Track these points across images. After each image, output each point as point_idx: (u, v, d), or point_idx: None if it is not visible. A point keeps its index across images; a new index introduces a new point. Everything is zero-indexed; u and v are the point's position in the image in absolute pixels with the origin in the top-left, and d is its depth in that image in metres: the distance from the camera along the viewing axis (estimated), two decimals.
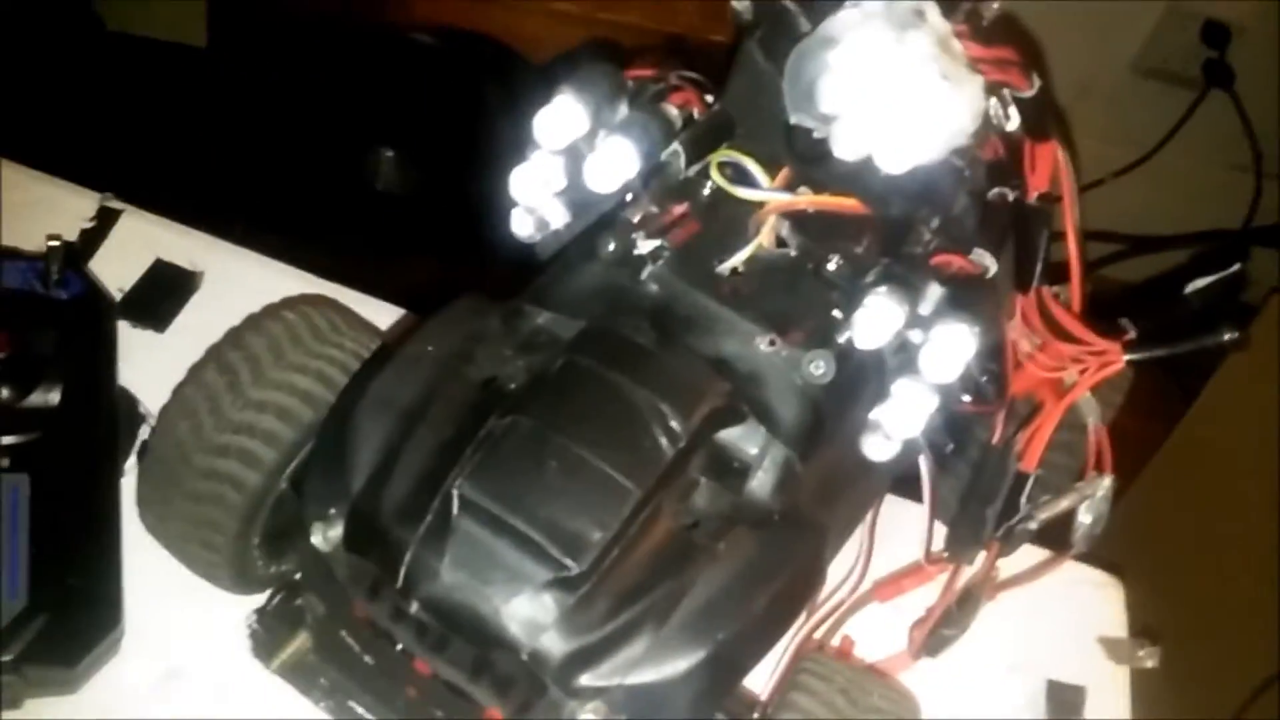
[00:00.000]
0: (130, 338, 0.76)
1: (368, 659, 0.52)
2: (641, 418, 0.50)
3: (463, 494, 0.48)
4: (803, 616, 0.62)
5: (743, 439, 0.53)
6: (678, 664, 0.48)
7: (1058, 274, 0.65)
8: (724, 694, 0.51)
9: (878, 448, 0.53)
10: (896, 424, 0.52)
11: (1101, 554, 0.77)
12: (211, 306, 0.79)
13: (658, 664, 0.48)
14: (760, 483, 0.53)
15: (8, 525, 0.61)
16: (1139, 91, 1.51)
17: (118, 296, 0.77)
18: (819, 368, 0.53)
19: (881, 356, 0.53)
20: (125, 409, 0.70)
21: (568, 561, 0.47)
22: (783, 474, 0.53)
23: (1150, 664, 0.75)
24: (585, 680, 0.47)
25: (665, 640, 0.48)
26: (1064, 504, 0.67)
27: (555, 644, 0.47)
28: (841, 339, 0.53)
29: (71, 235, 0.79)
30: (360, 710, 0.52)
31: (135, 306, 0.77)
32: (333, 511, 0.51)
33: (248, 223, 0.85)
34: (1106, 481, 0.68)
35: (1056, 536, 0.71)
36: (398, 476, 0.50)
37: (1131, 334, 0.61)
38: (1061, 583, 0.76)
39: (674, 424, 0.50)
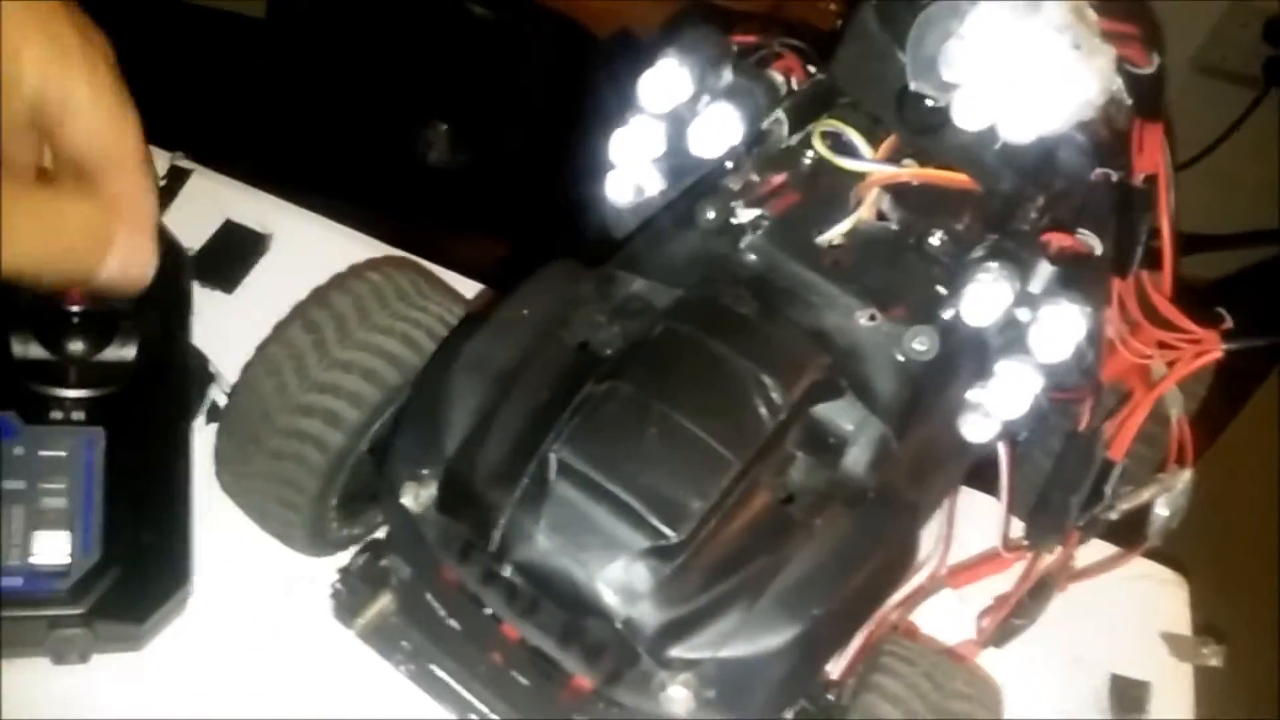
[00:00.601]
0: (199, 298, 0.75)
1: (453, 623, 0.51)
2: (742, 388, 0.49)
3: (561, 458, 0.47)
4: None
5: (840, 414, 0.52)
6: (770, 640, 0.47)
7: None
8: (815, 673, 0.51)
9: (977, 428, 0.52)
10: (998, 404, 0.52)
11: (1164, 549, 0.77)
12: (280, 269, 0.78)
13: (750, 639, 0.47)
14: (855, 459, 0.52)
15: (84, 478, 0.60)
16: (1198, 89, 1.49)
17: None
18: (922, 344, 0.52)
19: (984, 335, 0.52)
20: (196, 367, 0.69)
21: (666, 530, 0.46)
22: (879, 451, 0.52)
23: (1215, 662, 0.74)
24: (677, 651, 0.47)
25: (759, 615, 0.47)
26: (1145, 495, 0.66)
27: (650, 613, 0.46)
28: (946, 315, 0.52)
29: None
30: (442, 674, 0.51)
31: (205, 266, 0.77)
32: (425, 472, 0.50)
33: (308, 189, 0.84)
34: (1187, 475, 0.67)
35: (1122, 529, 0.70)
36: (493, 439, 0.49)
37: (1229, 323, 0.60)
38: (1126, 578, 0.75)
39: (775, 395, 0.49)
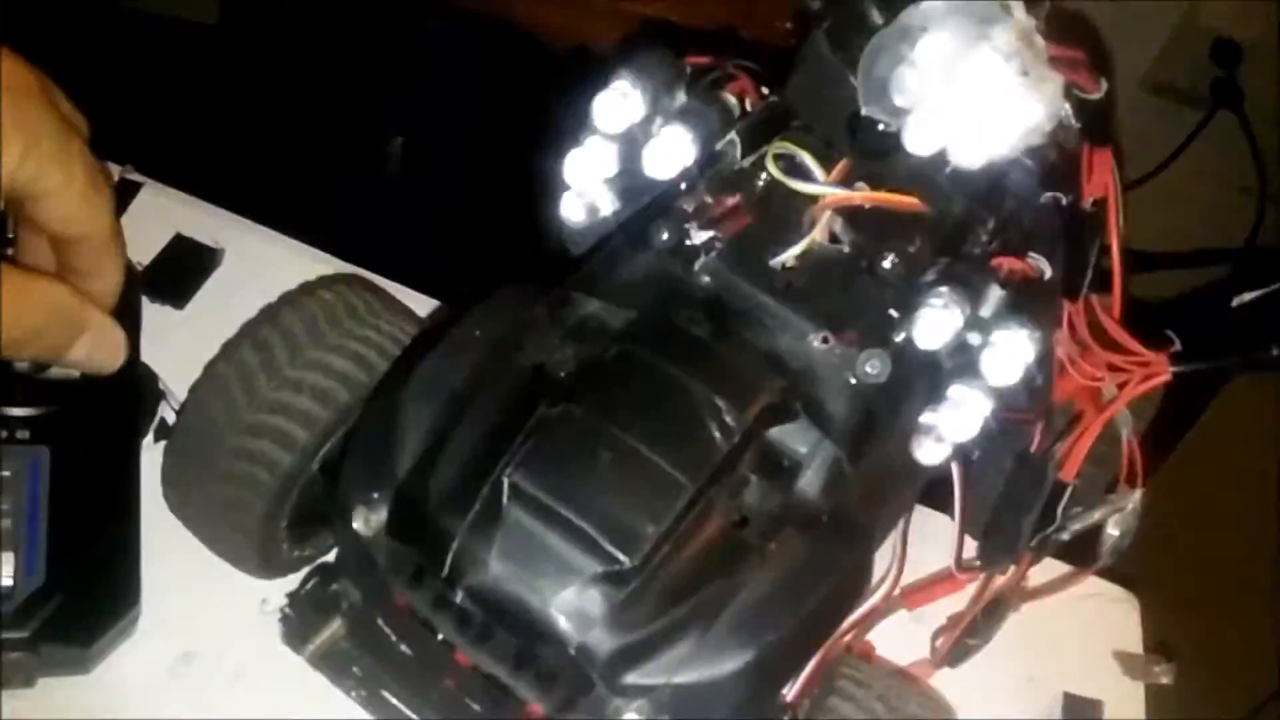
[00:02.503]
0: (149, 313, 0.74)
1: (404, 649, 0.51)
2: (696, 411, 0.49)
3: (513, 482, 0.47)
4: None
5: (794, 437, 0.52)
6: (725, 665, 0.47)
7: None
8: (770, 698, 0.51)
9: (930, 451, 0.52)
10: (950, 427, 0.52)
11: (1116, 568, 0.77)
12: (232, 284, 0.78)
13: (705, 664, 0.47)
14: (809, 482, 0.52)
15: (29, 498, 0.59)
16: (1148, 108, 1.51)
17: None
18: (874, 367, 0.52)
19: (937, 359, 0.52)
20: (145, 385, 0.68)
21: (620, 555, 0.46)
22: (832, 474, 0.52)
23: (1165, 680, 0.74)
24: (632, 678, 0.46)
25: (713, 641, 0.47)
26: (1097, 516, 0.67)
27: (603, 639, 0.46)
28: (898, 338, 0.52)
29: None
30: (393, 701, 0.51)
31: (154, 282, 0.76)
32: (376, 496, 0.50)
33: (261, 203, 0.83)
34: (1137, 495, 0.67)
35: (1075, 549, 0.71)
36: (445, 462, 0.49)
37: (1177, 346, 0.60)
38: (1078, 597, 0.76)
39: (729, 419, 0.49)
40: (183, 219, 0.80)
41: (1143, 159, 1.49)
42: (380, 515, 0.49)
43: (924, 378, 0.52)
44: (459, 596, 0.47)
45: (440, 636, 0.49)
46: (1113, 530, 0.68)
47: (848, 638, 0.64)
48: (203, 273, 0.77)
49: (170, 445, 0.58)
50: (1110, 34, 1.42)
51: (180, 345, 0.69)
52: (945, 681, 0.68)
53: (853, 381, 0.52)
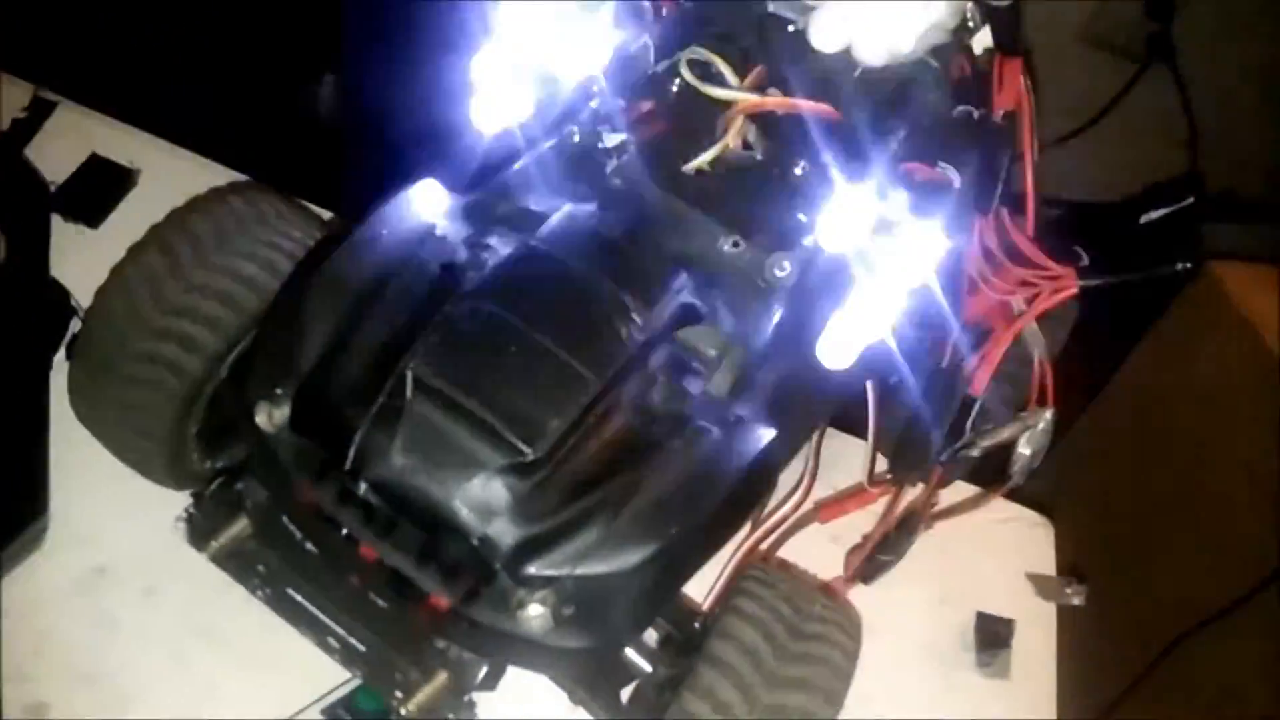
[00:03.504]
0: (63, 232, 0.73)
1: (309, 545, 0.50)
2: (604, 310, 0.49)
3: (417, 375, 0.47)
4: (746, 528, 0.61)
5: (702, 338, 0.52)
6: (628, 557, 0.47)
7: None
8: (672, 591, 0.51)
9: (835, 354, 0.53)
10: (856, 330, 0.52)
11: (1033, 493, 0.79)
12: (148, 204, 0.75)
13: (608, 556, 0.47)
14: (717, 383, 0.52)
15: None
16: (1084, 61, 1.52)
17: (51, 191, 0.74)
18: (782, 269, 0.52)
19: (844, 261, 0.52)
20: (56, 301, 0.67)
21: (524, 447, 0.46)
22: (739, 376, 0.52)
23: (1077, 602, 0.76)
24: (535, 568, 0.46)
25: (616, 533, 0.47)
26: (1006, 433, 0.67)
27: (507, 530, 0.46)
28: (807, 242, 0.52)
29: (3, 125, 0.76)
30: (299, 598, 0.51)
31: (69, 201, 0.75)
32: (279, 391, 0.49)
33: (183, 131, 0.82)
34: (1048, 414, 0.68)
35: (990, 473, 0.72)
36: (349, 357, 0.49)
37: (1085, 260, 0.61)
38: (993, 520, 0.77)
39: (636, 318, 0.50)
40: (98, 139, 0.79)
41: (1079, 112, 1.50)
42: (284, 411, 0.49)
43: (831, 281, 0.53)
44: (362, 489, 0.47)
45: (345, 531, 0.48)
46: (1024, 449, 0.69)
47: (763, 546, 0.65)
48: (118, 193, 0.76)
49: (74, 350, 0.57)
50: None
51: (95, 264, 0.67)
52: (861, 600, 0.69)
53: (761, 285, 0.53)
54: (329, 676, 0.57)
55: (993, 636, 0.73)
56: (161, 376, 0.54)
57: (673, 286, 0.51)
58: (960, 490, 0.75)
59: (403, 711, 0.49)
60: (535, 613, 0.47)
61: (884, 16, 0.48)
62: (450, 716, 0.49)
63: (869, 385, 0.63)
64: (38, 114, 0.78)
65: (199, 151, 0.80)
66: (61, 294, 0.68)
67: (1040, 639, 0.74)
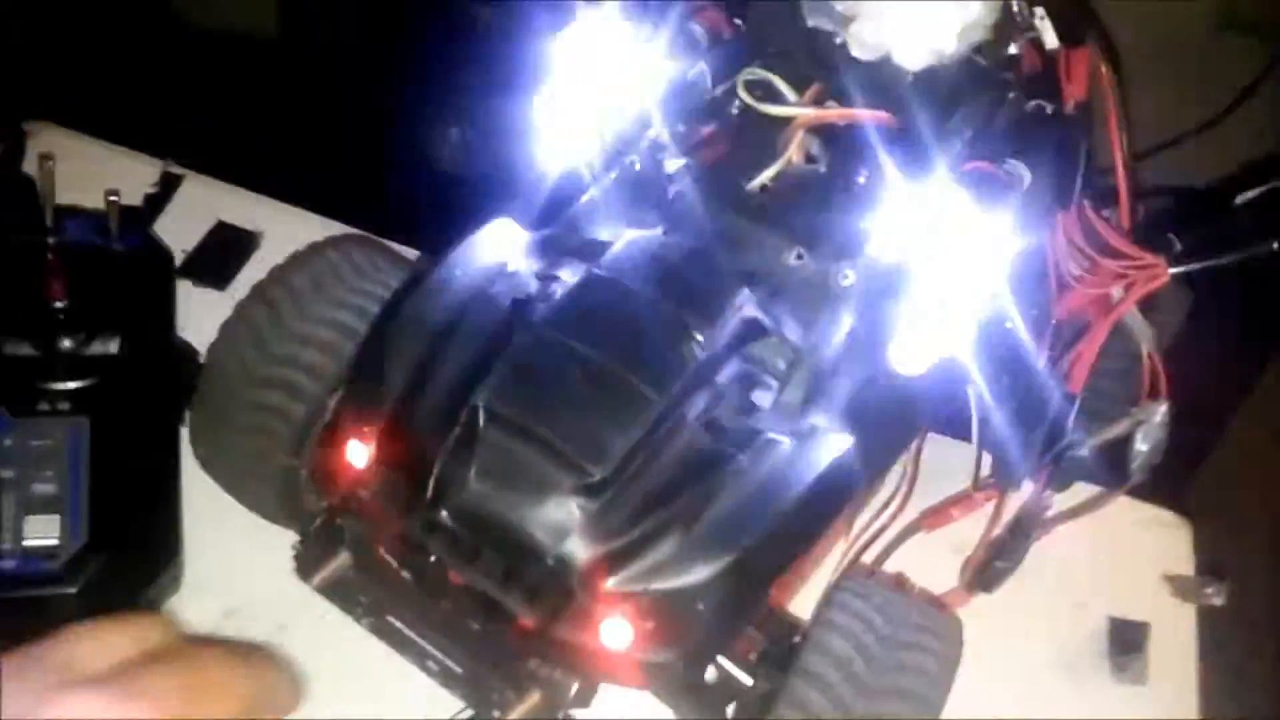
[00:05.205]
0: (194, 296, 0.78)
1: (404, 574, 0.53)
2: (664, 329, 0.50)
3: (487, 405, 0.49)
4: (845, 543, 0.61)
5: (771, 352, 0.53)
6: (702, 570, 0.48)
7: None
8: (750, 603, 0.51)
9: (907, 360, 0.53)
10: (927, 334, 0.52)
11: (1170, 491, 0.76)
12: (270, 264, 0.81)
13: (683, 570, 0.48)
14: (789, 396, 0.53)
15: (72, 465, 0.63)
16: (1219, 45, 1.46)
17: (181, 258, 0.79)
18: (848, 279, 0.52)
19: (908, 266, 0.52)
20: (186, 360, 0.72)
21: (590, 467, 0.47)
22: (811, 387, 0.52)
23: (1218, 601, 0.73)
24: (610, 585, 0.48)
25: (690, 547, 0.48)
26: (1116, 430, 0.66)
27: (580, 549, 0.48)
28: (870, 249, 0.53)
29: (137, 201, 0.81)
30: (399, 625, 0.53)
31: (198, 266, 0.80)
32: (369, 430, 0.52)
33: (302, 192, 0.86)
34: (1162, 407, 0.66)
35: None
36: (427, 394, 0.51)
37: (1178, 247, 0.60)
38: (1127, 522, 0.75)
39: (698, 335, 0.51)
40: (224, 206, 0.83)
41: (1215, 100, 1.45)
42: (371, 449, 0.52)
43: (896, 286, 0.53)
44: (444, 517, 0.49)
45: (434, 559, 0.50)
46: (1141, 445, 0.67)
47: (868, 559, 0.65)
48: (243, 255, 0.81)
49: (194, 403, 0.61)
50: None
51: None
52: (987, 610, 0.68)
53: (827, 295, 0.53)
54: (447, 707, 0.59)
55: (1127, 641, 0.71)
56: (269, 423, 0.58)
57: (734, 303, 0.52)
58: (1085, 493, 0.74)
59: None
60: (617, 628, 0.48)
61: (919, 19, 0.48)
62: None
63: (970, 390, 0.62)
64: (167, 187, 0.83)
65: (318, 211, 0.84)
66: (190, 354, 0.72)
67: (1178, 642, 0.72)
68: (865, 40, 0.49)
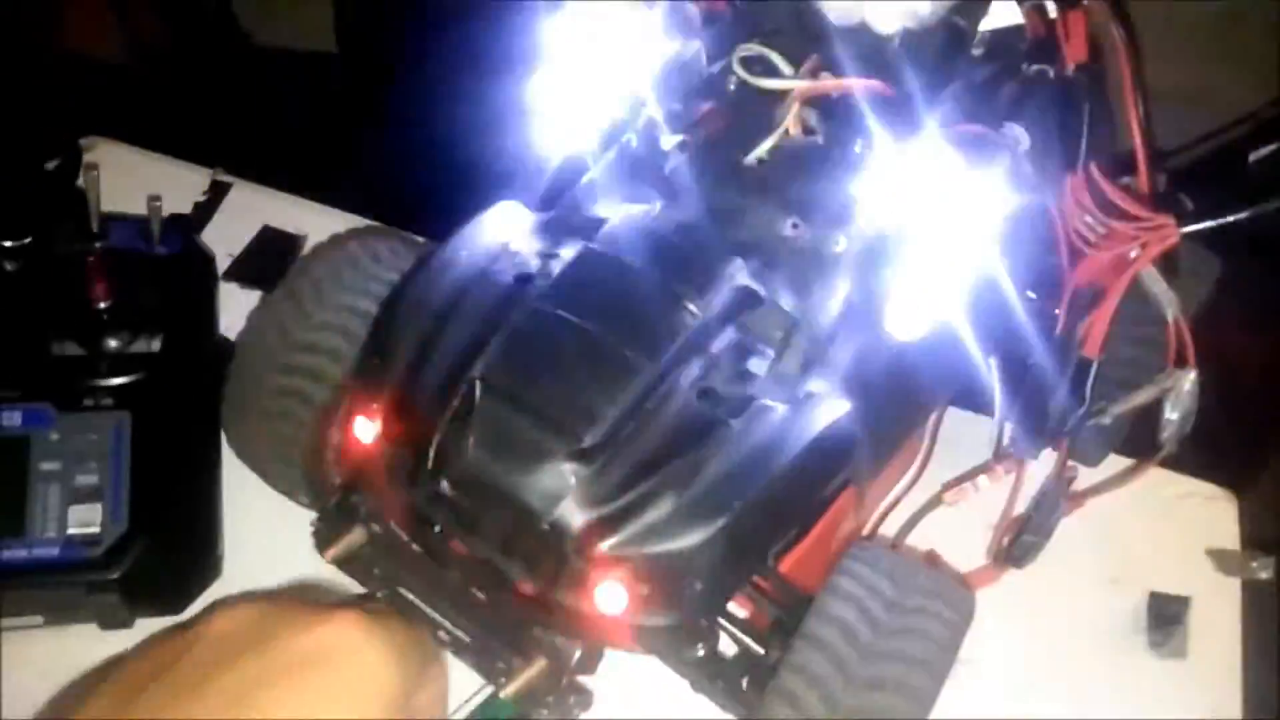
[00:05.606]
0: (240, 298, 0.81)
1: (414, 546, 0.54)
2: (657, 299, 0.51)
3: (484, 377, 0.50)
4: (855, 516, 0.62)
5: (767, 320, 0.53)
6: (696, 533, 0.49)
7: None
8: (746, 566, 0.52)
9: (903, 325, 0.53)
10: (922, 299, 0.52)
11: (1218, 464, 0.75)
12: None
13: (676, 534, 0.49)
14: (786, 363, 0.53)
15: (114, 457, 0.65)
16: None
17: (227, 262, 0.82)
18: (843, 246, 0.53)
19: (902, 231, 0.53)
20: (227, 357, 0.74)
21: (580, 433, 0.49)
22: (805, 354, 0.53)
23: (1264, 575, 0.71)
24: (606, 549, 0.49)
25: (683, 510, 0.49)
26: (1140, 398, 0.65)
27: (573, 514, 0.49)
28: (866, 217, 0.53)
29: (188, 209, 0.85)
30: (411, 596, 0.54)
31: (244, 268, 0.82)
32: (375, 407, 0.53)
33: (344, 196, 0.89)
34: (1191, 375, 0.65)
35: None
36: (429, 370, 0.52)
37: (1189, 206, 0.59)
38: (1169, 496, 0.74)
39: (691, 305, 0.52)
40: (270, 212, 0.86)
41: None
42: (379, 425, 0.53)
43: (890, 251, 0.53)
44: (445, 487, 0.50)
45: (438, 528, 0.52)
46: (1171, 414, 0.67)
47: (886, 531, 0.65)
48: (287, 257, 0.83)
49: (225, 392, 0.63)
50: None
51: None
52: (1023, 585, 0.68)
53: (823, 263, 0.53)
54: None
55: (1166, 615, 0.70)
56: (294, 408, 0.60)
57: (728, 272, 0.53)
58: (1121, 466, 0.73)
59: (501, 695, 0.51)
60: (613, 592, 0.49)
61: None
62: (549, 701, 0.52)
63: (992, 363, 0.62)
64: (216, 195, 0.86)
65: (358, 212, 0.87)
66: (231, 351, 0.75)
67: (1221, 617, 0.70)
68: (838, 8, 0.49)
